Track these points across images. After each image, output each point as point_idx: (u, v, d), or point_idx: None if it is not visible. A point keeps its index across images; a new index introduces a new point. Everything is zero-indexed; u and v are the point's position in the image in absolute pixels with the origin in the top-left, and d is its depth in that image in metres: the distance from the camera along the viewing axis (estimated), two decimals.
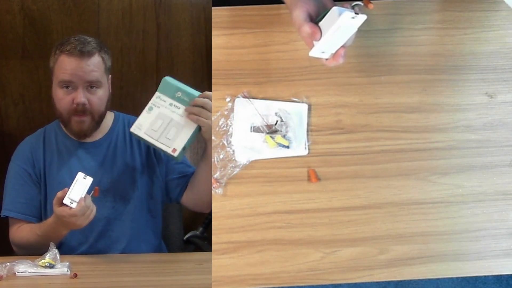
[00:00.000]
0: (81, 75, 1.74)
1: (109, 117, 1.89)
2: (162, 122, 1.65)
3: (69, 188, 1.56)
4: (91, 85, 1.76)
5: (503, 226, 1.24)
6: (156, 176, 1.87)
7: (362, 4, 1.12)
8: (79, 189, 1.56)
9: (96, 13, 2.40)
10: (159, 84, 1.68)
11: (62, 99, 1.77)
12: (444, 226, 1.24)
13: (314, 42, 1.08)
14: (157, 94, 1.68)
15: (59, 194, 1.57)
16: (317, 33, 1.06)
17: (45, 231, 1.67)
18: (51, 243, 1.53)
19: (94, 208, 1.60)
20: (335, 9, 1.04)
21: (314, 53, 1.10)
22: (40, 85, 2.39)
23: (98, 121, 1.81)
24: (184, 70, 2.45)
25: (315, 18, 1.08)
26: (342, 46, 1.09)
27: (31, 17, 2.36)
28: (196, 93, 1.68)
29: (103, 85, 1.79)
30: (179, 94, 1.66)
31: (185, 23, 2.45)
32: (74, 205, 1.55)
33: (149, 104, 1.68)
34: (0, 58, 2.37)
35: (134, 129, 1.66)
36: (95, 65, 1.76)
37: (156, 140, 1.65)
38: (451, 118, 1.26)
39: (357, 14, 1.04)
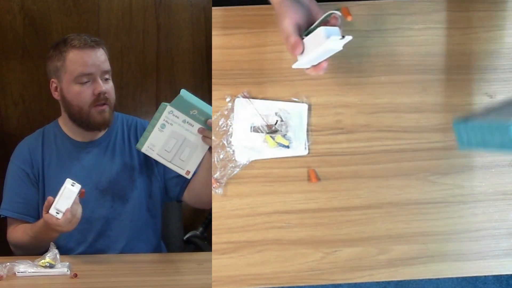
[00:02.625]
0: (98, 65, 1.77)
1: None
2: (176, 141, 1.57)
3: (55, 196, 1.53)
4: (105, 75, 1.78)
5: (503, 226, 1.24)
6: (154, 176, 1.87)
7: (339, 14, 1.10)
8: (66, 198, 1.53)
9: (96, 13, 2.40)
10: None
11: (81, 93, 1.77)
12: (444, 226, 1.24)
13: (298, 56, 1.09)
14: (169, 108, 1.56)
15: (47, 202, 1.56)
16: (299, 47, 1.07)
17: (36, 233, 1.67)
18: (51, 243, 1.53)
19: (79, 214, 1.57)
20: (321, 30, 1.05)
21: (297, 65, 1.11)
22: (40, 85, 2.38)
23: (113, 110, 1.84)
24: (184, 70, 2.45)
25: (303, 30, 1.08)
26: (325, 60, 1.10)
27: (31, 17, 2.36)
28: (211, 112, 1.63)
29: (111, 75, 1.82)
30: (194, 111, 1.54)
31: (185, 23, 2.45)
32: (59, 216, 1.51)
33: (161, 121, 1.56)
34: (0, 58, 2.37)
35: (146, 150, 1.58)
36: (104, 55, 1.81)
37: (170, 161, 1.58)
38: (451, 118, 1.25)
39: (343, 36, 1.05)
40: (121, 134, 1.89)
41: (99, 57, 1.78)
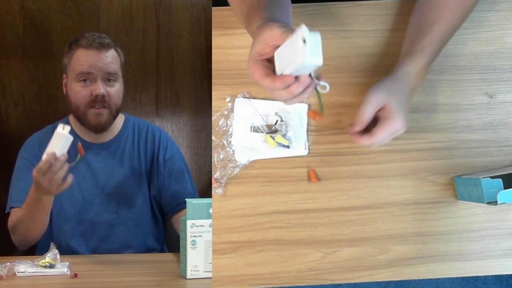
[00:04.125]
0: (100, 66, 1.76)
1: (120, 119, 1.89)
2: None
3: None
4: (109, 78, 1.78)
5: (503, 226, 1.24)
6: (153, 185, 1.87)
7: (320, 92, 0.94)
8: (56, 141, 1.52)
9: (96, 13, 2.40)
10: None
11: (80, 92, 1.78)
12: (444, 226, 1.24)
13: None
14: (189, 222, 1.40)
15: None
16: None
17: (28, 203, 1.67)
18: (51, 243, 1.52)
19: (61, 171, 1.56)
20: (303, 27, 0.87)
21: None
22: (40, 85, 2.38)
23: (115, 115, 1.83)
24: (184, 70, 2.45)
25: None
26: (297, 80, 0.92)
27: (31, 17, 2.36)
28: None
29: (119, 79, 1.82)
30: (210, 210, 1.33)
31: (185, 23, 2.45)
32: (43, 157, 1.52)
33: (189, 239, 1.41)
34: (0, 58, 2.37)
35: (191, 274, 1.42)
36: (113, 57, 1.80)
37: None
38: (451, 118, 1.25)
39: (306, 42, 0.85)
40: (131, 139, 1.88)
41: (103, 58, 1.77)
